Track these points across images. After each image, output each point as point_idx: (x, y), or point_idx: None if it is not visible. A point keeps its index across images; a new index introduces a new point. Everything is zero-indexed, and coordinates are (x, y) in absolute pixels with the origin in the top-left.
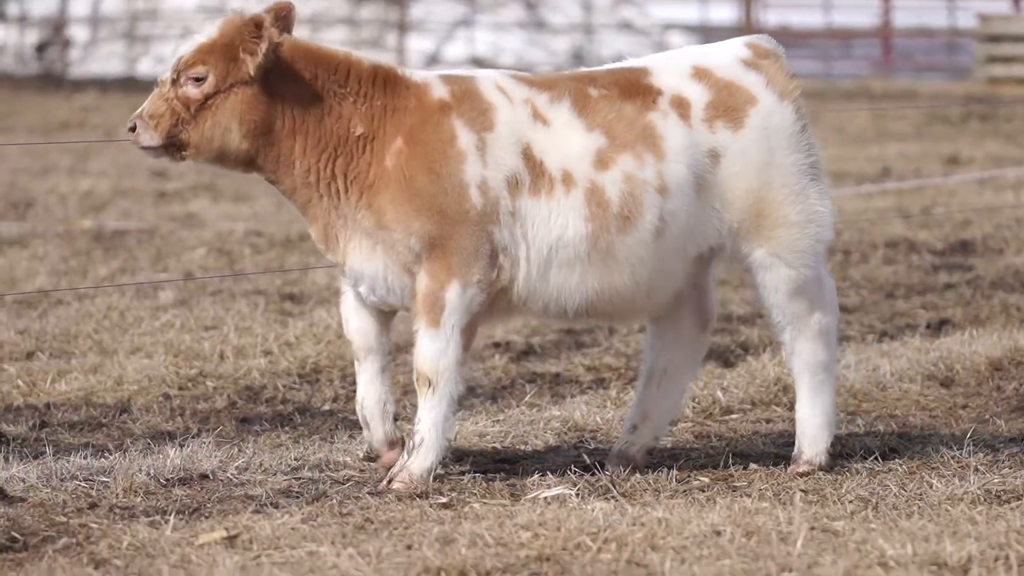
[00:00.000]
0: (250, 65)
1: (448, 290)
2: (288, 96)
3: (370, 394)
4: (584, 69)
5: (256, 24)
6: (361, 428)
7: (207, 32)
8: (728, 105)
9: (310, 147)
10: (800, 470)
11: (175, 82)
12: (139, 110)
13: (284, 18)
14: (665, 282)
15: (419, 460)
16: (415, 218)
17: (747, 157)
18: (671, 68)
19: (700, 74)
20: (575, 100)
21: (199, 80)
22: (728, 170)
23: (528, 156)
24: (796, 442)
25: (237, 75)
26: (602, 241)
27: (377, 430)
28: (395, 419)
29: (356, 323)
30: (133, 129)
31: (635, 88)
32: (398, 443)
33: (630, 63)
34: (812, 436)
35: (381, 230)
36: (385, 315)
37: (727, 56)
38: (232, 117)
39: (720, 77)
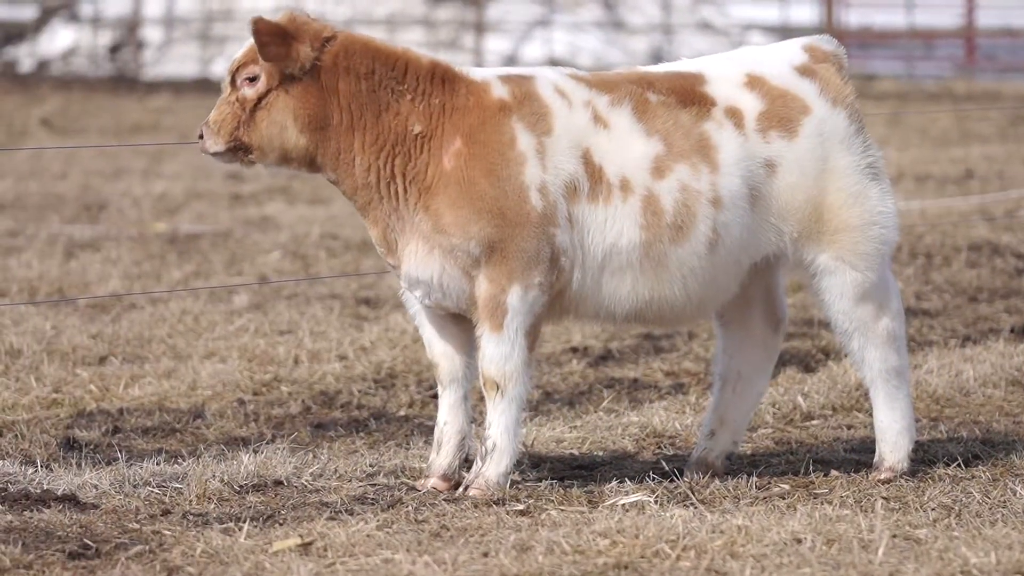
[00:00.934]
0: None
1: (510, 294)
2: (344, 91)
3: (452, 422)
4: (640, 68)
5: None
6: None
7: None
8: (782, 115)
9: (368, 144)
10: (882, 477)
11: (233, 85)
12: (207, 118)
13: None
14: (716, 293)
15: (494, 466)
16: (475, 222)
17: (803, 166)
18: (725, 76)
19: (754, 83)
20: (636, 104)
21: (253, 80)
22: (784, 180)
23: (588, 161)
24: (877, 449)
25: (286, 71)
26: (655, 250)
27: (445, 457)
28: (466, 459)
29: (441, 347)
30: (202, 137)
31: (690, 96)
32: (452, 480)
33: (684, 66)
34: (893, 443)
35: (439, 234)
36: (468, 335)
37: (782, 62)
38: (286, 113)
39: (774, 86)
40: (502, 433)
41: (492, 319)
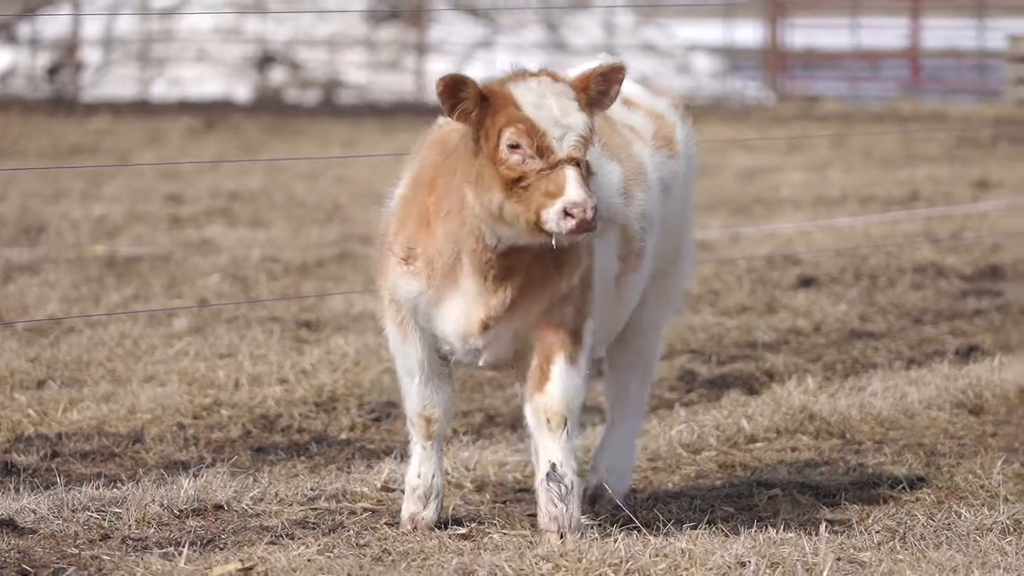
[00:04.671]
0: None
1: (586, 327)
2: None
3: (439, 475)
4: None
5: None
6: (379, 458)
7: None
8: (665, 136)
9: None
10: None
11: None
12: (580, 194)
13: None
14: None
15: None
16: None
17: (685, 189)
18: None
19: (629, 103)
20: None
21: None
22: (673, 200)
23: None
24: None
25: None
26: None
27: (433, 512)
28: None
29: (440, 401)
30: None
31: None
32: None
33: None
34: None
35: (547, 287)
36: (452, 391)
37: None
38: None
39: (648, 105)
40: (575, 472)
41: (572, 349)
